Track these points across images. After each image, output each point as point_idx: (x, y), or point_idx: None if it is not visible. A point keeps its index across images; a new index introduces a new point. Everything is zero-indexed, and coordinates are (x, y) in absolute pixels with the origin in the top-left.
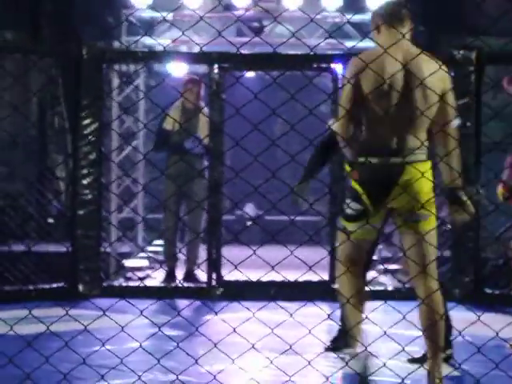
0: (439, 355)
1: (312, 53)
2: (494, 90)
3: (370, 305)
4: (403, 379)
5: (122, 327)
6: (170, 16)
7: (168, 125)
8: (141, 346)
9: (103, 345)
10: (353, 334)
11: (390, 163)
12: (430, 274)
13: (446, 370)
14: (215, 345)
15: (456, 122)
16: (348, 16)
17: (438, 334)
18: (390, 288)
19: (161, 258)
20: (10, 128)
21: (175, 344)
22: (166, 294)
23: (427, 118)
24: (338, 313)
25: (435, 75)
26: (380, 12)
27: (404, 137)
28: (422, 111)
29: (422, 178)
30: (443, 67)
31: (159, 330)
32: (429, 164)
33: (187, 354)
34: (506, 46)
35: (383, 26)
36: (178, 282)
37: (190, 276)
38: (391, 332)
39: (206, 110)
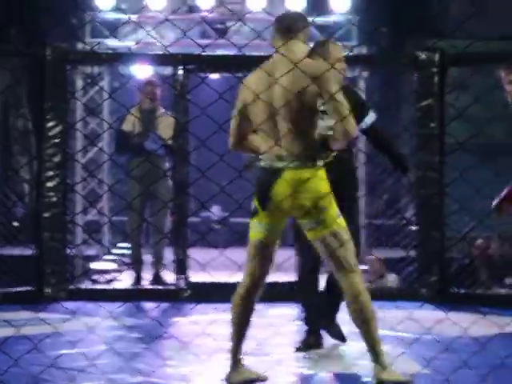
0: (377, 346)
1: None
2: (458, 91)
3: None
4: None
5: (92, 329)
6: (134, 18)
7: (127, 126)
8: (111, 347)
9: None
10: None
11: (273, 168)
12: (349, 270)
13: (414, 368)
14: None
15: (369, 120)
16: (311, 18)
17: (370, 329)
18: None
19: (127, 260)
20: None
21: (143, 346)
22: (133, 296)
23: (305, 125)
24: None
25: (304, 79)
26: (275, 26)
27: (287, 144)
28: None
29: (307, 184)
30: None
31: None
32: (315, 170)
33: (156, 355)
34: (468, 48)
35: (279, 42)
36: (144, 284)
37: (157, 278)
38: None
39: (163, 110)
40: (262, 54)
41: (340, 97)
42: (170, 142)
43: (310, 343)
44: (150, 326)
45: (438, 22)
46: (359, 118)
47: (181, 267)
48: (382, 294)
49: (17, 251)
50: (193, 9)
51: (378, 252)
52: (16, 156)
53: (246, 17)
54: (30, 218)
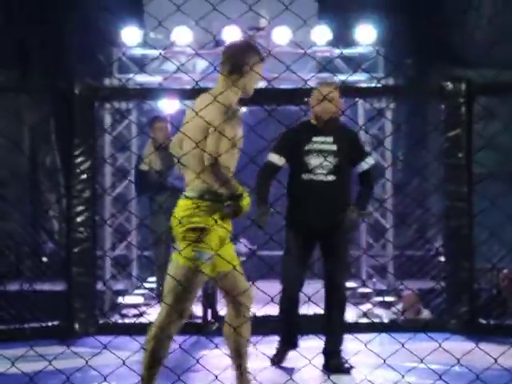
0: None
1: (305, 86)
2: (485, 121)
3: (366, 336)
4: None
5: (124, 361)
6: (161, 53)
7: (144, 166)
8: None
9: (105, 379)
10: None
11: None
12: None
13: None
14: (216, 377)
15: (368, 163)
16: (337, 50)
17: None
18: (385, 320)
19: (155, 294)
20: (3, 167)
21: (174, 379)
22: None
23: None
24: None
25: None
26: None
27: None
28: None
29: (177, 212)
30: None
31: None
32: (190, 201)
33: None
34: (496, 77)
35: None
36: None
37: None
38: (389, 362)
39: None
40: (289, 87)
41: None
42: None
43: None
44: (179, 359)
45: (464, 50)
46: (356, 161)
47: (209, 300)
48: (411, 326)
49: (47, 286)
50: (219, 42)
51: (407, 283)
52: (45, 193)
53: (272, 50)
54: (59, 253)
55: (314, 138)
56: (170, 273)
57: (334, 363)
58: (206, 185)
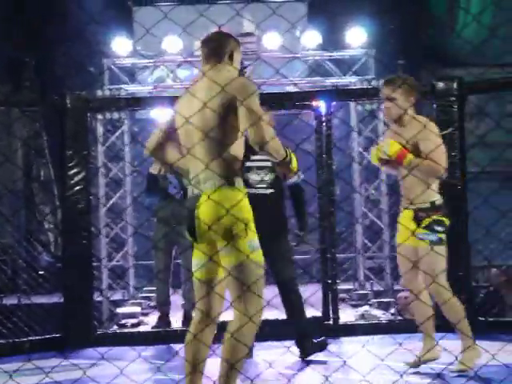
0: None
1: (296, 90)
2: (477, 119)
3: (364, 338)
4: None
5: (121, 370)
6: (151, 61)
7: (155, 169)
8: None
9: None
10: None
11: (192, 195)
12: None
13: None
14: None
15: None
16: (328, 53)
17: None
18: (383, 321)
19: (153, 303)
20: None
21: None
22: (160, 338)
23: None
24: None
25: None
26: (201, 48)
27: (202, 168)
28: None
29: (211, 206)
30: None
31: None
32: (222, 191)
33: None
34: (485, 75)
35: (204, 63)
36: (171, 326)
37: (188, 319)
38: (387, 363)
39: None
40: (279, 91)
41: (256, 106)
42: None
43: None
44: (180, 368)
45: (453, 49)
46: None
47: None
48: (406, 326)
49: (44, 299)
50: None
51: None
52: (39, 205)
53: (262, 55)
54: (55, 265)
55: (252, 157)
56: (238, 275)
57: (306, 346)
58: (232, 171)
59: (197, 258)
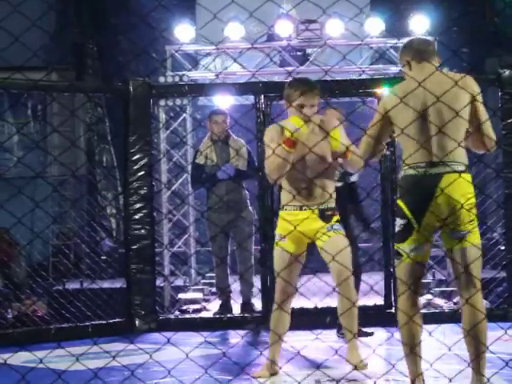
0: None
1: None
2: None
3: (427, 327)
4: None
5: (187, 354)
6: (213, 48)
7: (200, 160)
8: (206, 371)
9: (169, 373)
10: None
11: (428, 174)
12: (477, 287)
13: None
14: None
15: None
16: (390, 41)
17: (481, 340)
18: (446, 310)
19: (214, 289)
20: (60, 167)
21: (236, 373)
22: (222, 325)
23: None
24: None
25: (461, 92)
26: (408, 49)
27: (443, 149)
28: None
29: (461, 189)
30: (466, 79)
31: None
32: (468, 176)
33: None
34: None
35: (413, 62)
36: (232, 312)
37: (246, 306)
38: (451, 353)
39: (235, 138)
40: (344, 78)
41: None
42: (243, 168)
43: None
44: (241, 354)
45: None
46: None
47: (268, 294)
48: None
49: (107, 284)
50: (272, 37)
51: None
52: (101, 191)
53: (326, 43)
54: (118, 251)
55: None
56: (478, 254)
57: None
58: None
59: (414, 242)
